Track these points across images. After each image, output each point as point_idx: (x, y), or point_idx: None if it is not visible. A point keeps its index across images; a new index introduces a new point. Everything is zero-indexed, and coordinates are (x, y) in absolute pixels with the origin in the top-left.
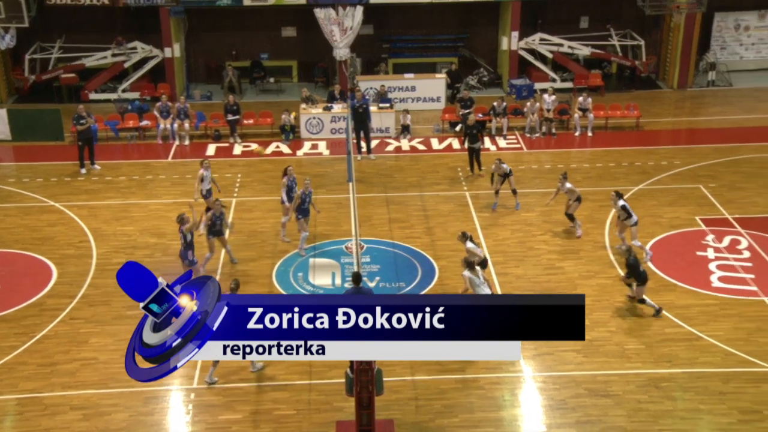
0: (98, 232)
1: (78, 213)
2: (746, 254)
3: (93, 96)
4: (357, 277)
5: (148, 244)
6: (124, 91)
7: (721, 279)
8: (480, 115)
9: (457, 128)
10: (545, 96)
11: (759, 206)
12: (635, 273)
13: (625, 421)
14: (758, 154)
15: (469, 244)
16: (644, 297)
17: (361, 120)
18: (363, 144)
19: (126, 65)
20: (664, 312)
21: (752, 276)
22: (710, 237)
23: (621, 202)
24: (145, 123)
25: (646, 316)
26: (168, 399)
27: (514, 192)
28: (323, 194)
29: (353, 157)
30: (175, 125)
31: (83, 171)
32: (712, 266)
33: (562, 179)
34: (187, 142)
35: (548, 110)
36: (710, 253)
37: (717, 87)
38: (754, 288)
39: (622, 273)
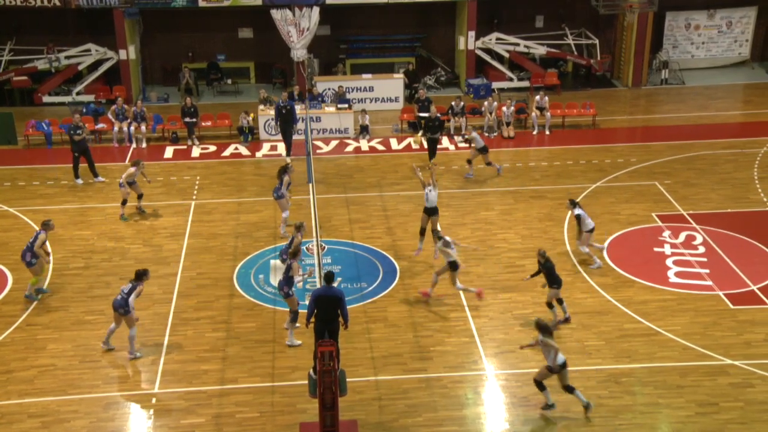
0: (55, 237)
1: (33, 218)
2: (701, 249)
3: (46, 99)
4: (329, 277)
5: (106, 248)
6: (78, 93)
7: (677, 274)
8: (438, 114)
9: (419, 134)
10: (504, 109)
11: (712, 202)
12: (552, 277)
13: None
14: (711, 151)
15: (444, 248)
16: (553, 302)
17: (284, 120)
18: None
19: (80, 68)
20: (623, 308)
21: (707, 271)
22: (666, 233)
23: (577, 211)
24: (100, 126)
25: (606, 312)
26: (129, 404)
27: (489, 164)
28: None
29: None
30: (132, 128)
31: (79, 182)
32: (668, 262)
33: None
34: (144, 145)
35: (507, 123)
36: (667, 249)
37: (670, 85)
38: (710, 282)
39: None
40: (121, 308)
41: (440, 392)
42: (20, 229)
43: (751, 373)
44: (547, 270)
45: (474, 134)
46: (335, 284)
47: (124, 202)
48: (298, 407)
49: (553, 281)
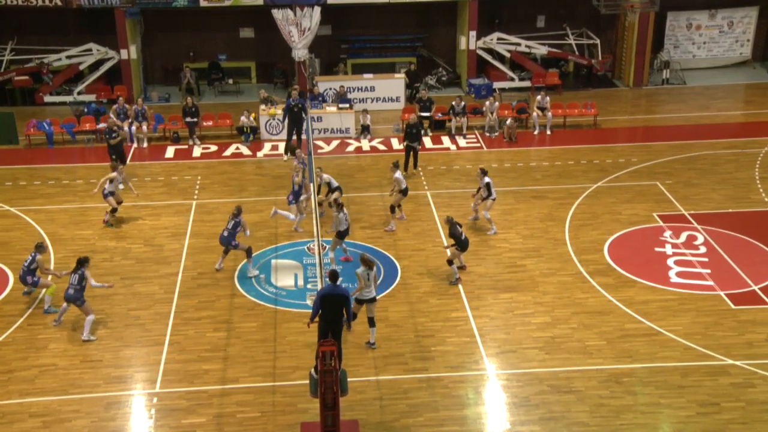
0: (56, 237)
1: (34, 217)
2: (702, 249)
3: (48, 99)
4: (334, 275)
5: (107, 248)
6: (79, 93)
7: (678, 274)
8: (440, 114)
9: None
10: (487, 103)
11: (713, 202)
12: (457, 240)
13: (588, 416)
14: (712, 151)
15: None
16: (454, 261)
17: (296, 119)
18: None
19: (81, 67)
20: (624, 308)
21: (708, 271)
22: (668, 233)
23: (486, 180)
24: (101, 126)
25: (607, 312)
26: (130, 404)
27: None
28: (284, 195)
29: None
30: (133, 128)
31: (122, 187)
32: (670, 262)
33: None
34: (145, 145)
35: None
36: (668, 249)
37: (671, 85)
38: (711, 283)
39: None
40: (76, 300)
41: (441, 392)
42: (21, 229)
43: (753, 373)
44: (453, 235)
45: (397, 175)
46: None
47: (113, 210)
48: (299, 407)
49: (458, 243)
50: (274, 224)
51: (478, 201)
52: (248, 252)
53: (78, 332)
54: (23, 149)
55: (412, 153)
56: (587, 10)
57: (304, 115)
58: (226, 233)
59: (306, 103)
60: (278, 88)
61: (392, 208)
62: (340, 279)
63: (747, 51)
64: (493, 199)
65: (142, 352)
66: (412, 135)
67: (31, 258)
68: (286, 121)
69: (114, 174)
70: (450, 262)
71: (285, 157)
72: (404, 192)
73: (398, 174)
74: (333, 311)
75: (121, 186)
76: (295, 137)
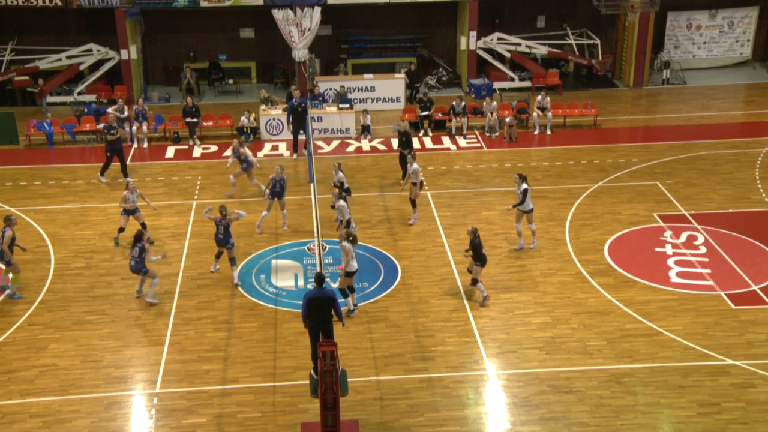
0: (56, 237)
1: (35, 218)
2: (703, 249)
3: (48, 99)
4: (320, 279)
5: (107, 248)
6: (80, 93)
7: (679, 274)
8: (440, 114)
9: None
10: (486, 103)
11: (714, 202)
12: (477, 254)
13: (588, 416)
14: (712, 151)
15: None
16: (478, 279)
17: (300, 119)
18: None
19: (81, 67)
20: (624, 308)
21: (709, 271)
22: (668, 233)
23: (524, 186)
24: (102, 126)
25: (607, 312)
26: (130, 404)
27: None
28: (285, 195)
29: (307, 158)
30: (134, 128)
31: (103, 180)
32: (670, 262)
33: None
34: (145, 145)
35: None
36: (668, 249)
37: (672, 85)
38: (711, 283)
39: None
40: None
41: (442, 392)
42: (22, 229)
43: (753, 374)
44: (474, 247)
45: (416, 166)
46: (335, 285)
47: (121, 230)
48: (300, 407)
49: (478, 258)
50: (275, 224)
51: (519, 215)
52: (232, 260)
53: (78, 330)
54: (23, 149)
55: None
56: (587, 10)
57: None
58: (221, 235)
59: (308, 102)
60: (278, 88)
61: (413, 202)
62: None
63: (747, 51)
64: (530, 210)
65: (143, 353)
66: (403, 143)
67: (2, 233)
68: (291, 121)
69: (125, 192)
70: (475, 281)
71: (294, 156)
72: (419, 185)
73: (416, 165)
74: (321, 313)
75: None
76: (295, 138)
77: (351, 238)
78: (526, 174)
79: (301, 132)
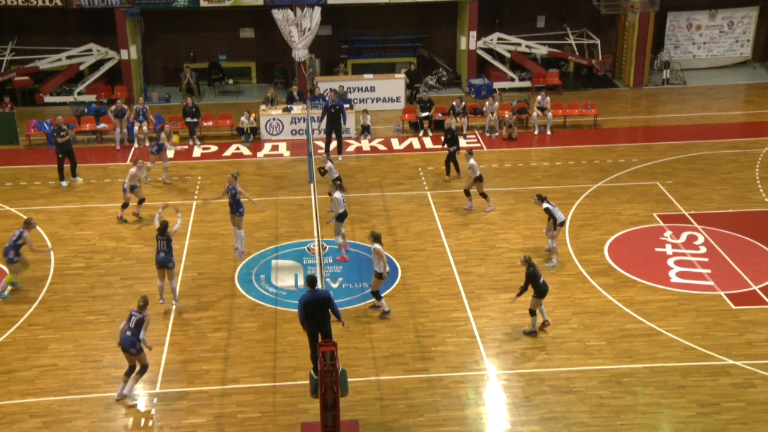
0: (56, 237)
1: (35, 218)
2: (703, 249)
3: (48, 99)
4: (312, 281)
5: (107, 248)
6: (79, 93)
7: (679, 274)
8: (439, 114)
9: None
10: (486, 103)
11: (714, 202)
12: (535, 285)
13: (588, 416)
14: (712, 151)
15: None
16: (536, 311)
17: (334, 120)
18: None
19: (81, 67)
20: (624, 308)
21: (709, 271)
22: (668, 233)
23: (545, 205)
24: (102, 126)
25: (607, 313)
26: (130, 404)
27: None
28: (284, 195)
29: (334, 158)
30: (135, 128)
31: (64, 184)
32: (670, 262)
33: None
34: (146, 144)
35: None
36: (668, 249)
37: (671, 85)
38: (711, 283)
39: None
40: (132, 347)
41: (442, 392)
42: None
43: (753, 374)
44: (529, 276)
45: (329, 165)
46: (335, 285)
47: (125, 205)
48: (300, 407)
49: (536, 288)
50: (275, 225)
51: (551, 231)
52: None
53: (78, 330)
54: (24, 149)
55: (451, 159)
56: (587, 10)
57: (344, 116)
58: (162, 254)
59: (344, 105)
60: (278, 88)
61: (466, 192)
62: (341, 280)
63: (747, 51)
64: (561, 224)
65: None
66: (447, 140)
67: (18, 233)
68: (324, 122)
69: (134, 170)
70: (532, 312)
71: (339, 158)
72: (479, 178)
73: (473, 161)
74: (318, 315)
75: (148, 180)
76: (328, 140)
77: (374, 238)
78: (526, 174)
79: (338, 134)
